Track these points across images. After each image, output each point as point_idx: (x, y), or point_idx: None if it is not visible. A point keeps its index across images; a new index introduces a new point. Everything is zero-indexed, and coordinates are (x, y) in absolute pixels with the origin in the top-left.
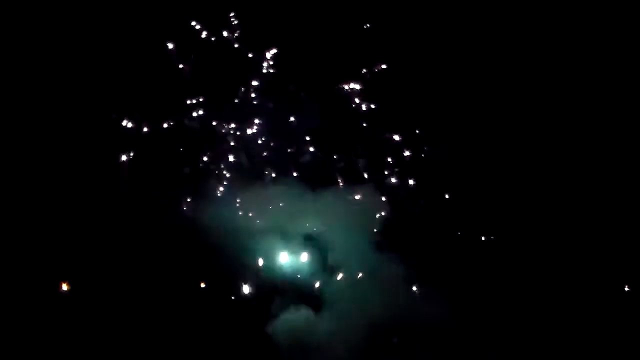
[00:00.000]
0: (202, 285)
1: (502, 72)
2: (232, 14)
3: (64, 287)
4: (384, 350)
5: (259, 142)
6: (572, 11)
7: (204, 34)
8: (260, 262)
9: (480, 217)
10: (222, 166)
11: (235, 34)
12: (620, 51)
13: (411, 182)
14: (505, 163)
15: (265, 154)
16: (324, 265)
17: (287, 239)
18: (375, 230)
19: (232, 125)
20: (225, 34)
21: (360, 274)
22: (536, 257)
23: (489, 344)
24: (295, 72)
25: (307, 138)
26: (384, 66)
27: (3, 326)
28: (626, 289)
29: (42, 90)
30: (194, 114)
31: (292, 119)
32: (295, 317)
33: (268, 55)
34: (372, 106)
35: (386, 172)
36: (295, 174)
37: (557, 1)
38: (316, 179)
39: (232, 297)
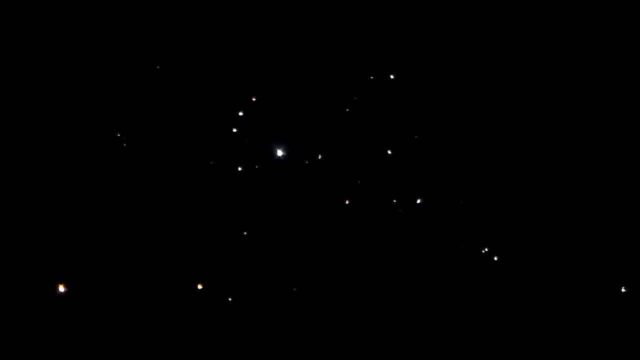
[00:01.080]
0: (199, 287)
1: (506, 78)
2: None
3: (61, 288)
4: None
5: (261, 143)
6: (572, 12)
7: (206, 38)
8: (261, 262)
9: (480, 219)
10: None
11: (238, 37)
12: (621, 52)
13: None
14: (507, 166)
15: (267, 156)
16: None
17: (287, 239)
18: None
19: (233, 127)
20: (226, 37)
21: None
22: (537, 260)
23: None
24: (297, 73)
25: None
26: (389, 68)
27: (4, 327)
28: (623, 290)
29: (42, 93)
30: (193, 115)
31: (293, 119)
32: None
33: (272, 58)
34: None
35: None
36: (295, 177)
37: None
38: (317, 181)
39: (230, 299)
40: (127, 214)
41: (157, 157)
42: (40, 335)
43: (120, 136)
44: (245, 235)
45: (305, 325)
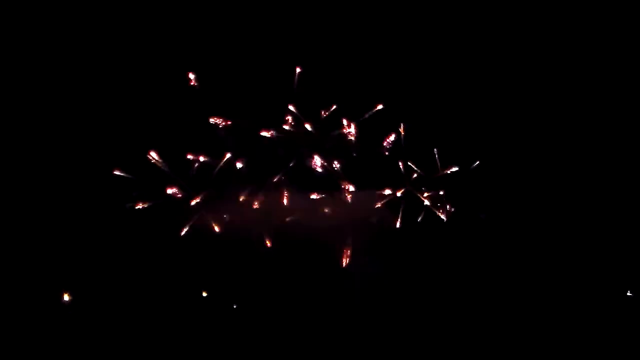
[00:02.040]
0: (204, 294)
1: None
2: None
3: (66, 297)
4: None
5: (263, 148)
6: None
7: (214, 47)
8: (264, 267)
9: (481, 220)
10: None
11: (244, 43)
12: (620, 51)
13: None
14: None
15: (270, 160)
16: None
17: (291, 241)
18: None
19: (234, 132)
20: (231, 42)
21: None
22: (538, 259)
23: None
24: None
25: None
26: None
27: (4, 329)
28: (628, 293)
29: (46, 97)
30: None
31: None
32: None
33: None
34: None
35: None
36: (297, 180)
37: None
38: (317, 184)
39: (234, 306)
40: (133, 223)
41: (162, 167)
42: (50, 343)
43: (124, 144)
44: (250, 245)
45: (307, 331)
